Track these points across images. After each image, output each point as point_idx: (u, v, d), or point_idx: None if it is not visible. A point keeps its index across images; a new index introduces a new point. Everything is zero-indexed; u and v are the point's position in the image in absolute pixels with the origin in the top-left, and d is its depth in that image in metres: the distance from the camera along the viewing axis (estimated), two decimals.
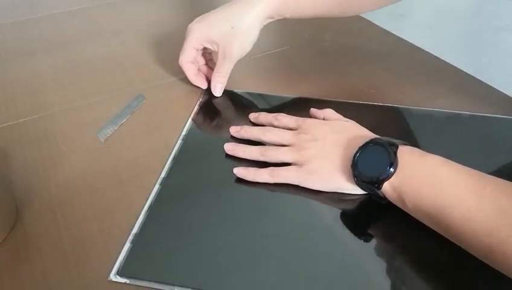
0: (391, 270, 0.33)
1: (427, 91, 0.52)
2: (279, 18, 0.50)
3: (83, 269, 0.34)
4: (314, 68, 0.58)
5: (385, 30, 0.66)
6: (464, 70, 0.55)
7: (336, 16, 0.53)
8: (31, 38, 0.69)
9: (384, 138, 0.36)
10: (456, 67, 0.56)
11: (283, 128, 0.43)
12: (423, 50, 0.60)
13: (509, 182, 0.31)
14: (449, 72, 0.55)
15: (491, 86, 0.52)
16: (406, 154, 0.35)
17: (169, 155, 0.43)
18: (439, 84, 0.53)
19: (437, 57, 0.58)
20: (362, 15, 0.69)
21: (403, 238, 0.35)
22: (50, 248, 0.36)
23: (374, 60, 0.59)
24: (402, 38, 0.63)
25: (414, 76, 0.55)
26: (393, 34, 0.64)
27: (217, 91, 0.51)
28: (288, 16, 0.49)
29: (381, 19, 0.69)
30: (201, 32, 0.49)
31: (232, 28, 0.47)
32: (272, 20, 0.50)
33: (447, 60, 0.57)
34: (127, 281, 0.32)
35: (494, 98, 0.50)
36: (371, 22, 0.68)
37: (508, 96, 0.50)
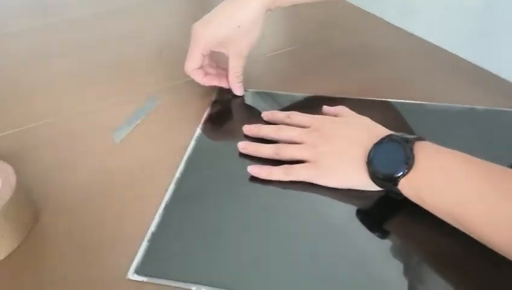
0: (408, 270, 0.32)
1: (442, 86, 0.51)
2: (275, 8, 0.49)
3: (102, 268, 0.34)
4: (324, 66, 0.57)
5: (394, 26, 0.65)
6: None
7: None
8: (47, 42, 0.70)
9: (400, 134, 0.36)
10: (470, 62, 0.55)
11: (296, 126, 0.43)
12: (434, 45, 0.59)
13: None
14: (464, 67, 0.55)
15: (507, 80, 0.51)
16: (422, 150, 0.34)
17: (184, 155, 0.44)
18: (455, 79, 0.52)
19: (450, 52, 0.57)
20: (371, 11, 0.69)
21: (421, 236, 0.34)
22: (68, 248, 0.36)
23: (384, 56, 0.58)
24: (412, 34, 0.62)
25: (427, 71, 0.54)
26: (403, 30, 0.64)
27: (239, 90, 0.51)
28: (284, 4, 0.49)
29: (391, 15, 0.69)
30: (209, 37, 0.48)
31: (239, 27, 0.47)
32: (270, 11, 0.49)
33: (458, 55, 0.56)
34: (145, 279, 0.33)
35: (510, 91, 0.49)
36: (380, 18, 0.67)
37: None
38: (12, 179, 0.37)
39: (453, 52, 0.57)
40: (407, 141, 0.34)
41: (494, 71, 0.53)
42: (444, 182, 0.32)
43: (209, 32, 0.48)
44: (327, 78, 0.54)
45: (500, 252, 0.30)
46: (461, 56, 0.56)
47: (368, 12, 0.69)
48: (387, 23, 0.66)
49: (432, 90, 0.51)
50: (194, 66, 0.50)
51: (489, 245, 0.31)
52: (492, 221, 0.30)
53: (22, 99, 0.56)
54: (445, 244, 0.33)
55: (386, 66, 0.56)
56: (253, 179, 0.40)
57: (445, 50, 0.58)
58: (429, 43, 0.60)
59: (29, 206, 0.39)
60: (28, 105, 0.55)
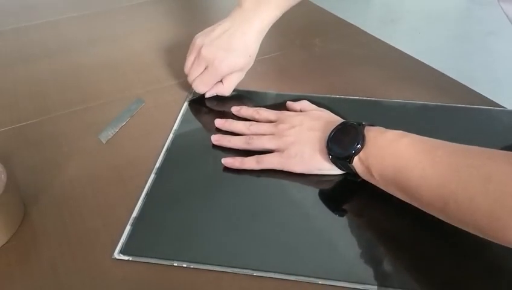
0: (361, 242, 0.37)
1: (410, 93, 0.54)
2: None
3: (89, 253, 0.37)
4: (304, 72, 0.60)
5: (373, 36, 0.68)
6: (450, 74, 0.57)
7: None
8: (33, 44, 0.71)
9: (354, 121, 0.40)
10: (438, 70, 0.59)
11: (264, 121, 0.47)
12: (408, 55, 0.63)
13: (458, 144, 0.35)
14: (432, 75, 0.58)
15: (469, 88, 0.55)
16: (371, 131, 0.39)
17: (163, 148, 0.46)
18: (422, 86, 0.56)
19: (421, 62, 0.61)
20: (353, 22, 0.72)
21: (373, 212, 0.39)
22: (56, 240, 0.38)
23: (361, 64, 0.61)
24: (389, 44, 0.66)
25: (398, 79, 0.57)
26: (381, 40, 0.67)
27: (210, 94, 0.54)
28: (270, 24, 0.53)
29: (373, 24, 0.72)
30: (231, 67, 0.51)
31: (250, 56, 0.52)
32: None
33: (436, 63, 0.60)
34: (130, 258, 0.36)
35: (472, 98, 0.53)
36: (360, 28, 0.71)
37: (487, 98, 0.53)
38: (2, 176, 0.39)
39: (430, 60, 0.61)
40: (359, 124, 0.39)
41: (468, 80, 0.56)
42: (387, 155, 0.37)
43: (229, 60, 0.51)
44: (307, 81, 0.58)
45: (433, 212, 0.35)
46: (437, 64, 0.59)
47: (349, 22, 0.72)
48: (366, 33, 0.70)
49: (400, 96, 0.54)
50: (208, 89, 0.53)
51: (424, 206, 0.35)
52: (425, 182, 0.34)
53: (9, 99, 0.57)
54: (395, 222, 0.38)
55: (361, 74, 0.59)
56: (227, 169, 0.44)
57: (416, 59, 0.62)
58: (402, 52, 0.64)
59: (19, 203, 0.41)
60: (16, 105, 0.55)
